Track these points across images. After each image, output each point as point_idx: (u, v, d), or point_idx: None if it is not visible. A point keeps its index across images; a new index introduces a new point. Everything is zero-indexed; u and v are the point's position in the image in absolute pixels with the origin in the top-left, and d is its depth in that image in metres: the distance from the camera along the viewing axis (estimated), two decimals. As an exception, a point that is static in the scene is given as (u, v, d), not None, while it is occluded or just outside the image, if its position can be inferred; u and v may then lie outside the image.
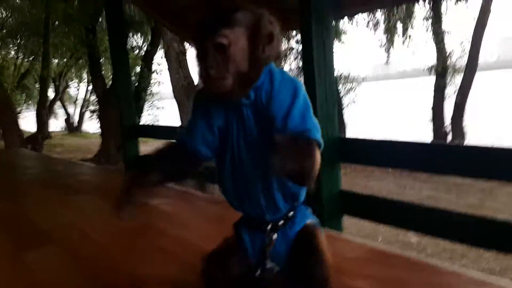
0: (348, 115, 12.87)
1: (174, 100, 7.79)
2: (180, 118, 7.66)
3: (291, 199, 0.97)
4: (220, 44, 0.78)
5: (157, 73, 12.72)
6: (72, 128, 24.02)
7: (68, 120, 24.53)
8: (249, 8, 0.83)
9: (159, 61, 13.33)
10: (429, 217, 1.84)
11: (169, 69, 7.73)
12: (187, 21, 4.16)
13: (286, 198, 0.95)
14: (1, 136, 13.26)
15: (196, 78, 7.73)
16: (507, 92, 23.71)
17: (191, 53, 8.31)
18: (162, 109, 13.07)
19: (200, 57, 0.83)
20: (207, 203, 2.41)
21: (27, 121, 17.09)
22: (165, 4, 4.06)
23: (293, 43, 14.23)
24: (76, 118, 24.85)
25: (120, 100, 4.34)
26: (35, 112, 15.67)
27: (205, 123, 0.91)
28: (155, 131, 4.45)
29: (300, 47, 14.39)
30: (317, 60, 2.11)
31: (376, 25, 13.30)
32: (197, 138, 0.92)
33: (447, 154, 1.78)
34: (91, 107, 14.33)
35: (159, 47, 10.26)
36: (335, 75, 2.19)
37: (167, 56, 7.77)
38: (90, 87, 21.99)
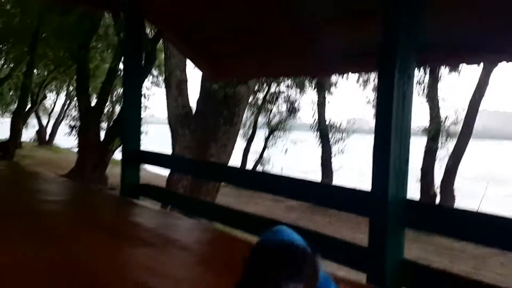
0: (336, 164, 13.03)
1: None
2: (172, 146, 7.35)
3: None
4: None
5: (145, 98, 12.50)
6: (44, 140, 23.17)
7: (40, 131, 23.67)
8: (311, 260, 0.99)
9: (147, 85, 13.11)
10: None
11: (167, 95, 7.45)
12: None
13: None
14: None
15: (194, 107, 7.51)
16: (492, 161, 24.76)
17: (192, 82, 8.14)
18: (146, 134, 12.72)
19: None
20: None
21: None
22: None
23: (283, 87, 14.50)
24: (48, 131, 24.02)
25: (127, 122, 4.14)
26: (7, 120, 15.00)
27: None
28: (160, 159, 4.17)
29: (290, 92, 14.56)
30: (396, 112, 1.92)
31: (366, 82, 13.33)
32: None
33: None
34: (72, 123, 13.78)
35: (150, 72, 10.04)
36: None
37: (167, 82, 7.53)
38: (69, 102, 21.42)
